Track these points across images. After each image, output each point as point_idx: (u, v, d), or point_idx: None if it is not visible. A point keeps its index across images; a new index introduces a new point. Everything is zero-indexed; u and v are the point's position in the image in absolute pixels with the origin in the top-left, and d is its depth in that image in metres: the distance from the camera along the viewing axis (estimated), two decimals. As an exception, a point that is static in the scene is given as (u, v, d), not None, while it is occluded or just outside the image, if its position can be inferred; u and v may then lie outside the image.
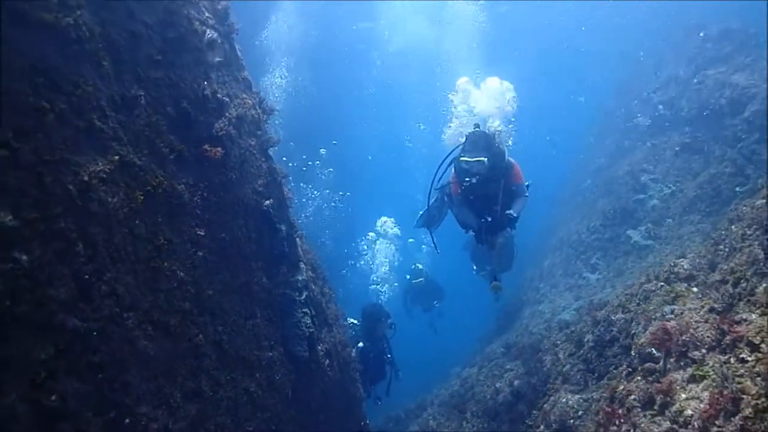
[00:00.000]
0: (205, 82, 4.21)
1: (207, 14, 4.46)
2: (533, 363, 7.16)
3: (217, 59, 4.54)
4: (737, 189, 8.89)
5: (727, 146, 9.71)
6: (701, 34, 12.57)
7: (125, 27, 3.58)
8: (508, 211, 6.01)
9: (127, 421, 3.08)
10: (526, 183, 6.46)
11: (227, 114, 4.35)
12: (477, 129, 6.18)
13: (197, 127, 4.09)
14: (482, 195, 6.08)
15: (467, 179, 5.93)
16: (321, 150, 18.49)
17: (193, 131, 4.05)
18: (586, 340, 5.82)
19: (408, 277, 14.38)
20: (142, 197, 3.31)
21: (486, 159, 5.83)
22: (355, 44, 20.16)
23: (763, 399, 2.71)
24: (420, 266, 14.35)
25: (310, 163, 17.65)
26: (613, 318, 5.56)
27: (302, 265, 5.36)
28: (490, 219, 6.02)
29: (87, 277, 2.94)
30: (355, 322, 8.45)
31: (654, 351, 3.98)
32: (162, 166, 3.58)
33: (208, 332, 3.82)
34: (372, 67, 21.73)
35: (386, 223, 17.99)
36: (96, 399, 2.95)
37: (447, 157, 6.40)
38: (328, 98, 19.72)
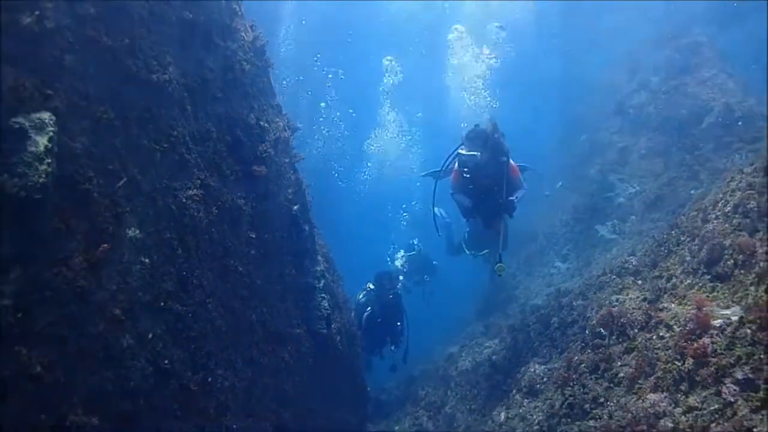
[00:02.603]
0: (251, 113, 5.20)
1: (250, 53, 5.43)
2: (509, 340, 8.32)
3: (257, 90, 5.53)
4: (691, 192, 10.10)
5: (686, 152, 10.91)
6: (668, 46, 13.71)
7: (198, 74, 4.56)
8: (510, 197, 6.98)
9: (209, 379, 4.12)
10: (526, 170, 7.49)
11: (267, 138, 5.35)
12: (476, 127, 7.11)
13: (246, 150, 5.09)
14: (481, 185, 6.99)
15: (465, 170, 6.86)
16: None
17: (243, 153, 5.05)
18: (552, 321, 6.99)
19: (402, 251, 15.39)
20: (216, 210, 4.33)
21: (479, 154, 6.71)
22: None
23: (671, 364, 3.86)
24: (415, 242, 15.39)
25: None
26: (574, 304, 6.75)
27: (320, 258, 6.45)
28: (490, 204, 6.97)
29: (185, 273, 3.95)
30: (372, 287, 9.36)
31: (602, 330, 5.13)
32: (226, 185, 4.59)
33: (257, 313, 4.89)
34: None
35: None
36: (191, 363, 3.98)
37: (453, 152, 7.31)
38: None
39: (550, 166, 17.73)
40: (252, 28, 5.49)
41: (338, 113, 18.98)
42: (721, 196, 5.17)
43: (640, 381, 4.07)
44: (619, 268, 6.50)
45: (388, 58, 19.19)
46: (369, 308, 8.77)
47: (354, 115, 19.69)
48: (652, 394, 3.83)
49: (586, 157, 14.77)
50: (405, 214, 20.01)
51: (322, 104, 18.90)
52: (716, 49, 13.42)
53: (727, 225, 4.57)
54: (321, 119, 18.77)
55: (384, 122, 20.99)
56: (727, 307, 3.13)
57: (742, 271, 3.90)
